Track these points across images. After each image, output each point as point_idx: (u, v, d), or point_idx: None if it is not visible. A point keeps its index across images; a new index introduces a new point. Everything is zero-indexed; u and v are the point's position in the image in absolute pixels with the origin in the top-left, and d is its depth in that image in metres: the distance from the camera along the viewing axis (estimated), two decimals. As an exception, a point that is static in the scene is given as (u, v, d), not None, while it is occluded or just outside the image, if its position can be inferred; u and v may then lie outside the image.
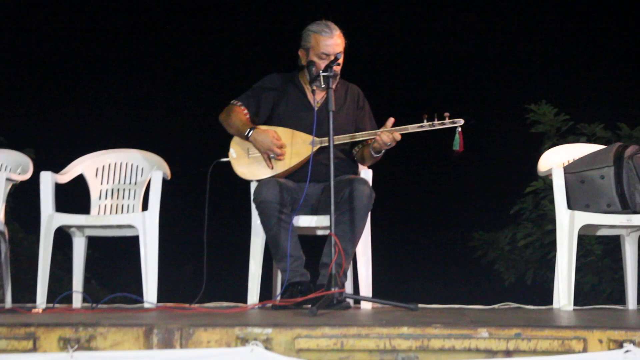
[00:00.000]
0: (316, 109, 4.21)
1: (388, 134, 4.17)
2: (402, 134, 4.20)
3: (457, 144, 4.17)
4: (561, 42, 8.64)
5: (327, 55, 4.27)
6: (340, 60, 4.26)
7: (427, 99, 8.60)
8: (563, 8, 8.69)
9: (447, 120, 4.17)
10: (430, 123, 4.18)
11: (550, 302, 4.60)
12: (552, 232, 6.53)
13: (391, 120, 4.22)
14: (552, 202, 6.50)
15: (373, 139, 4.27)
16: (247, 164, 4.36)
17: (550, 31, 8.69)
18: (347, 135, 4.35)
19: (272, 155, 4.28)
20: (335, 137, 4.11)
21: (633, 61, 8.15)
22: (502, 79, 8.78)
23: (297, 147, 4.31)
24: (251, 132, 4.30)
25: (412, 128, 4.21)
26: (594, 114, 6.92)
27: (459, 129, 4.17)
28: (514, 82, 8.67)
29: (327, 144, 4.00)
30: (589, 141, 6.19)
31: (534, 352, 2.87)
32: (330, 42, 4.30)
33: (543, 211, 6.77)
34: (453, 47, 8.96)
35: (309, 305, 3.75)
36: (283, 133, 4.34)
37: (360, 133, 4.37)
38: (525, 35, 8.79)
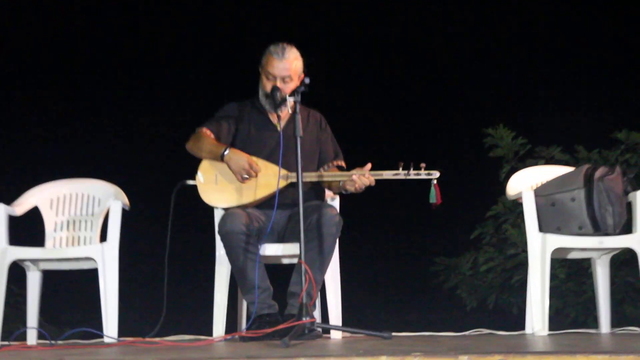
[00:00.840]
0: (281, 131, 4.15)
1: (364, 178, 4.13)
2: (376, 180, 4.18)
3: (434, 196, 4.17)
4: (516, 65, 8.72)
5: (274, 77, 4.28)
6: (291, 85, 4.23)
7: (393, 126, 8.63)
8: (517, 31, 8.78)
9: (422, 172, 4.17)
10: (406, 172, 4.17)
11: (517, 328, 4.59)
12: (514, 256, 6.62)
13: (369, 165, 4.19)
14: (513, 225, 6.59)
15: (343, 180, 4.23)
16: (214, 190, 4.28)
17: (505, 53, 8.76)
18: (315, 173, 4.32)
19: (245, 175, 4.21)
20: (305, 174, 4.09)
21: (589, 84, 8.26)
22: (458, 103, 8.83)
23: (267, 179, 4.25)
24: (227, 150, 4.23)
25: (387, 175, 4.19)
26: (551, 137, 6.97)
27: (435, 181, 4.16)
28: (469, 105, 8.72)
29: (295, 180, 3.95)
30: (547, 164, 6.21)
31: (518, 380, 2.83)
32: (279, 65, 4.28)
33: (504, 235, 6.78)
34: (408, 69, 8.99)
35: (278, 337, 3.66)
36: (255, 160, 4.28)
37: (331, 173, 4.34)
38: (481, 58, 8.86)
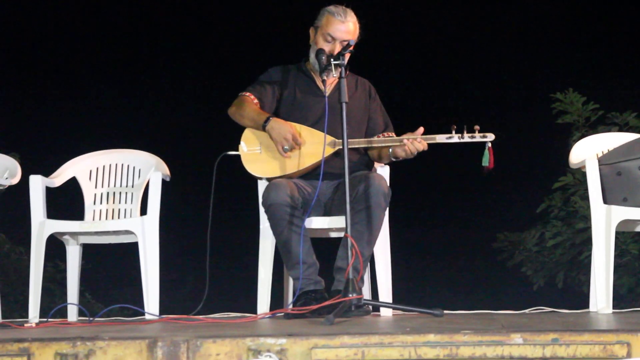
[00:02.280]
0: (327, 96, 4.18)
1: (417, 142, 4.15)
2: (429, 146, 4.20)
3: (487, 160, 4.18)
4: (587, 25, 8.59)
5: (333, 38, 4.29)
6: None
7: (446, 93, 8.58)
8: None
9: (477, 134, 4.17)
10: (459, 135, 4.18)
11: (585, 306, 4.57)
12: (584, 230, 6.56)
13: (421, 129, 4.21)
14: (582, 198, 6.53)
15: (394, 145, 4.25)
16: (258, 160, 4.32)
17: (575, 14, 8.63)
18: (364, 139, 4.35)
19: (286, 147, 4.25)
20: (352, 140, 4.14)
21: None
22: (525, 67, 8.74)
23: (311, 147, 4.28)
24: (270, 120, 4.27)
25: (440, 139, 4.21)
26: (625, 101, 6.87)
27: (489, 144, 4.16)
28: (537, 69, 8.63)
29: (341, 147, 3.97)
30: (621, 131, 6.14)
31: (573, 359, 2.83)
32: (340, 27, 4.30)
33: (573, 208, 6.72)
34: (471, 34, 8.92)
35: (324, 314, 3.71)
36: (297, 130, 4.31)
37: (381, 139, 4.37)
38: (549, 20, 8.75)
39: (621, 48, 8.43)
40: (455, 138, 4.19)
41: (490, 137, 4.17)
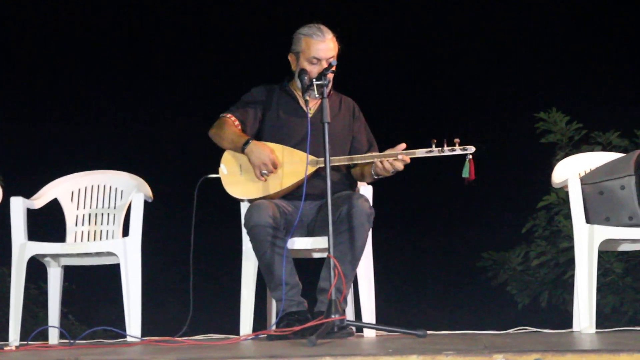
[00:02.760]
0: (310, 116, 4.18)
1: (396, 163, 4.16)
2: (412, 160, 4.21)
3: (467, 171, 4.18)
4: (570, 45, 8.64)
5: (318, 59, 4.28)
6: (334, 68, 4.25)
7: (429, 111, 8.61)
8: (572, 10, 8.70)
9: (457, 147, 4.19)
10: (440, 149, 4.19)
11: (569, 326, 4.58)
12: (568, 250, 6.57)
13: (402, 145, 4.22)
14: (566, 217, 6.53)
15: (374, 162, 4.26)
16: (239, 182, 4.32)
17: (559, 33, 8.70)
18: (345, 157, 4.34)
19: (264, 171, 4.25)
20: (334, 158, 4.14)
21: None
22: (509, 86, 8.78)
23: (293, 166, 4.28)
24: (249, 143, 4.27)
25: (420, 153, 4.21)
26: (608, 121, 6.91)
27: (470, 156, 4.17)
28: (521, 88, 8.67)
29: (323, 165, 3.97)
30: (604, 150, 6.17)
31: (556, 379, 2.84)
32: (322, 46, 4.30)
33: (557, 227, 6.74)
34: (455, 53, 8.97)
35: (306, 335, 3.70)
36: (277, 151, 4.31)
37: (362, 155, 4.36)
38: (532, 37, 8.80)
39: (605, 68, 8.49)
40: (435, 152, 4.20)
41: (471, 149, 4.18)
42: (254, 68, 7.81)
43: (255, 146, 4.27)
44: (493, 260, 7.33)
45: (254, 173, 4.28)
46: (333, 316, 3.70)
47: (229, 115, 4.43)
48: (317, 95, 4.09)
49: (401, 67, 8.98)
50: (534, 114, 7.02)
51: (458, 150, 4.19)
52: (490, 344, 3.32)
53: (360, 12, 8.69)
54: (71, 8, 8.72)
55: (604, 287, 6.46)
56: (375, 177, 4.32)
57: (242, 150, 4.27)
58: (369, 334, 4.22)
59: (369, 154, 4.35)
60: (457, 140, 4.18)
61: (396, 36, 9.04)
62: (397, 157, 4.18)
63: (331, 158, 3.97)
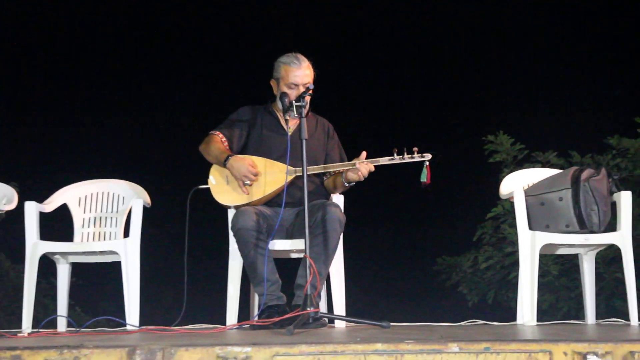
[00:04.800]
0: (290, 134, 4.15)
1: (365, 166, 4.14)
2: (375, 167, 4.18)
3: (425, 176, 4.18)
4: (515, 72, 8.68)
5: (296, 85, 4.27)
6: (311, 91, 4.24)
7: (392, 134, 8.60)
8: (516, 38, 8.74)
9: (415, 155, 4.17)
10: (400, 157, 4.18)
11: (513, 319, 4.57)
12: (511, 254, 6.58)
13: (364, 153, 4.21)
14: (511, 225, 6.55)
15: (346, 169, 4.24)
16: (226, 191, 4.29)
17: (504, 57, 8.71)
18: (320, 165, 4.33)
19: (246, 182, 4.22)
20: (309, 167, 4.10)
21: (584, 90, 8.20)
22: (459, 111, 8.80)
23: (273, 175, 4.26)
24: (229, 159, 4.24)
25: (384, 161, 4.20)
26: (547, 142, 6.94)
27: (427, 162, 4.16)
28: (472, 113, 8.68)
29: (301, 174, 3.95)
30: (543, 168, 6.18)
31: (503, 365, 2.81)
32: (298, 73, 4.28)
33: (502, 234, 6.75)
34: (417, 80, 8.97)
35: (285, 326, 3.66)
36: (259, 162, 4.29)
37: (334, 164, 4.34)
38: (482, 68, 8.83)
39: (545, 93, 8.54)
40: (396, 159, 4.19)
41: (428, 156, 4.18)
42: (242, 89, 7.78)
43: (235, 161, 4.24)
44: (447, 264, 7.34)
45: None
46: (308, 309, 3.67)
47: (216, 132, 4.41)
48: (296, 115, 4.07)
49: (369, 84, 8.98)
50: (482, 137, 7.04)
51: (417, 157, 4.18)
52: (445, 334, 3.29)
53: (328, 33, 8.67)
54: (69, 17, 8.60)
55: (542, 287, 6.43)
56: (347, 185, 4.30)
57: (225, 165, 4.25)
58: (340, 325, 4.20)
59: (340, 163, 4.33)
60: (415, 149, 4.18)
61: (363, 53, 9.03)
62: (365, 163, 4.16)
63: (307, 167, 3.94)
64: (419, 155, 4.18)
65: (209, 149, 4.34)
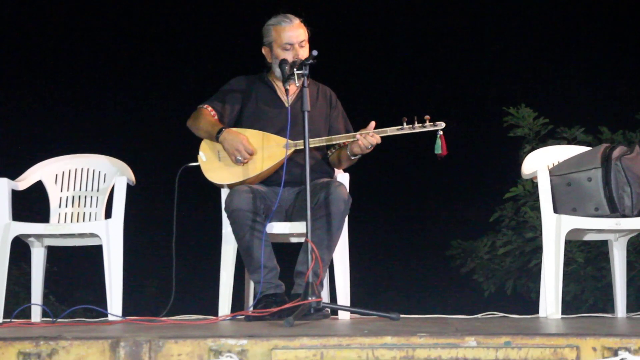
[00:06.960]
0: (289, 105, 4.14)
1: (370, 137, 4.12)
2: (381, 137, 4.16)
3: (439, 147, 4.15)
4: (540, 43, 8.66)
5: (291, 44, 4.26)
6: (307, 50, 4.24)
7: (403, 103, 8.58)
8: (541, 10, 8.71)
9: (427, 123, 4.15)
10: (410, 126, 4.15)
11: (534, 312, 4.58)
12: (533, 239, 6.59)
13: (372, 124, 4.18)
14: (533, 208, 6.55)
15: (351, 142, 4.22)
16: (218, 168, 4.27)
17: (529, 32, 8.70)
18: (323, 138, 4.30)
19: (238, 157, 4.20)
20: (311, 139, 4.07)
21: (613, 63, 8.18)
22: (479, 81, 8.78)
23: (270, 150, 4.24)
24: (222, 132, 4.23)
25: (391, 131, 4.18)
26: (574, 117, 6.93)
27: (440, 132, 4.14)
28: (491, 84, 8.67)
29: (302, 147, 3.93)
30: (569, 145, 6.17)
31: (525, 361, 2.82)
32: (292, 32, 4.28)
33: (523, 218, 6.76)
34: (431, 48, 8.95)
35: (283, 317, 3.67)
36: (255, 136, 4.27)
37: (337, 136, 4.32)
38: (504, 36, 8.80)
39: (571, 65, 8.51)
40: (406, 129, 4.16)
41: (441, 125, 4.16)
42: (234, 60, 7.77)
43: (229, 134, 4.22)
44: (462, 248, 7.34)
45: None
46: (310, 298, 3.67)
47: (205, 105, 4.40)
48: (297, 84, 4.05)
49: (374, 50, 8.96)
50: (503, 108, 7.02)
51: (429, 127, 4.16)
52: (461, 327, 3.30)
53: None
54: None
55: (565, 276, 6.46)
56: (352, 158, 4.29)
57: (217, 139, 4.23)
58: (344, 316, 4.20)
59: (343, 135, 4.32)
60: (427, 117, 4.15)
61: (368, 20, 9.01)
62: (370, 134, 4.14)
63: (310, 139, 3.93)
64: (431, 124, 4.16)
65: (198, 123, 4.33)
